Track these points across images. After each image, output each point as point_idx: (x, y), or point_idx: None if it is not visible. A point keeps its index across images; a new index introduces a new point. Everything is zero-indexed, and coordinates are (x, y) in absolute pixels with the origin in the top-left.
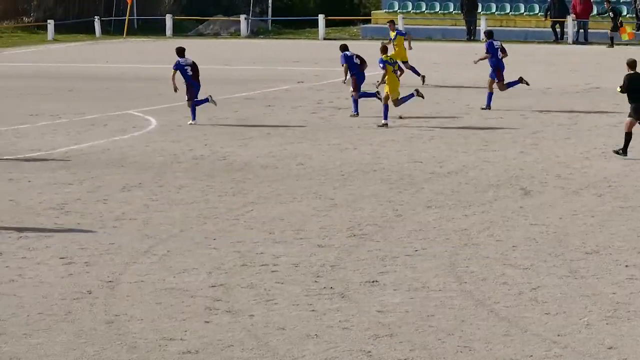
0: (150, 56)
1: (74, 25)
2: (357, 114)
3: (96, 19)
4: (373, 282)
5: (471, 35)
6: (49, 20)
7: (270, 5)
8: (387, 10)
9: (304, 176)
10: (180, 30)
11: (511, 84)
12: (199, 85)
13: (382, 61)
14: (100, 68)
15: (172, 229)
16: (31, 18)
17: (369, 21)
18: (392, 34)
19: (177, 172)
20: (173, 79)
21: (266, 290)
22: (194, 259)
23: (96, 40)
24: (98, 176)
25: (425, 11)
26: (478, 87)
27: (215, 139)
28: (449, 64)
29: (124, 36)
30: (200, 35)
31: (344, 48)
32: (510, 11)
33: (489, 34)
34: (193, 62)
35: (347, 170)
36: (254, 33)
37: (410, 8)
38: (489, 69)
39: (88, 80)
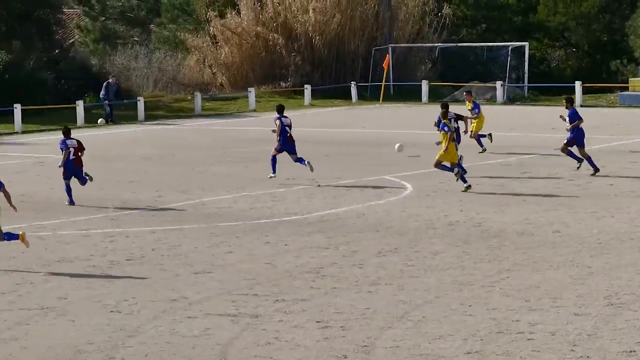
0: (406, 122)
1: (331, 91)
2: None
3: (352, 85)
4: (630, 352)
5: None
6: (305, 86)
7: (526, 72)
8: None
9: (561, 244)
10: (435, 96)
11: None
12: (293, 144)
13: (444, 125)
14: (356, 133)
15: (427, 294)
16: (288, 83)
17: (626, 89)
18: (469, 106)
19: (432, 237)
20: (275, 130)
21: (522, 358)
22: (449, 325)
23: (352, 105)
24: (354, 241)
25: None
26: None
27: (471, 205)
28: None
29: (380, 102)
30: (456, 101)
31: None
32: None
33: (571, 101)
34: (290, 122)
35: (604, 238)
36: (510, 99)
37: None
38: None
39: (344, 145)
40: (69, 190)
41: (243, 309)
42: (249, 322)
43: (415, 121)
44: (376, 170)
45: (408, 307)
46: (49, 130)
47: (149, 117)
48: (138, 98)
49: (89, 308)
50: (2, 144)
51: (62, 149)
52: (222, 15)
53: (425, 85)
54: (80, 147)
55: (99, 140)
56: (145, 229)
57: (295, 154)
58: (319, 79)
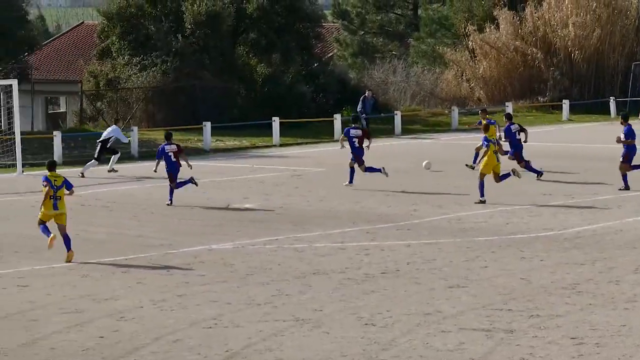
0: None
1: (589, 106)
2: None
3: (611, 100)
4: None
5: None
6: (564, 100)
7: None
8: None
9: None
10: None
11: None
12: (360, 154)
13: (485, 139)
14: (615, 149)
15: None
16: (546, 98)
17: None
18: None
19: None
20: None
21: None
22: None
23: (611, 120)
24: (611, 257)
25: None
26: None
27: None
28: None
29: (638, 117)
30: None
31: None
32: None
33: (626, 118)
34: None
35: None
36: None
37: None
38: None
39: (603, 161)
40: (171, 192)
41: (497, 324)
42: (503, 337)
43: None
44: (634, 186)
45: None
46: (306, 143)
47: (406, 131)
48: (395, 112)
49: (344, 320)
50: (261, 156)
51: (157, 157)
52: (481, 30)
53: None
54: (180, 150)
55: None
56: (401, 242)
57: (363, 164)
58: (577, 94)
